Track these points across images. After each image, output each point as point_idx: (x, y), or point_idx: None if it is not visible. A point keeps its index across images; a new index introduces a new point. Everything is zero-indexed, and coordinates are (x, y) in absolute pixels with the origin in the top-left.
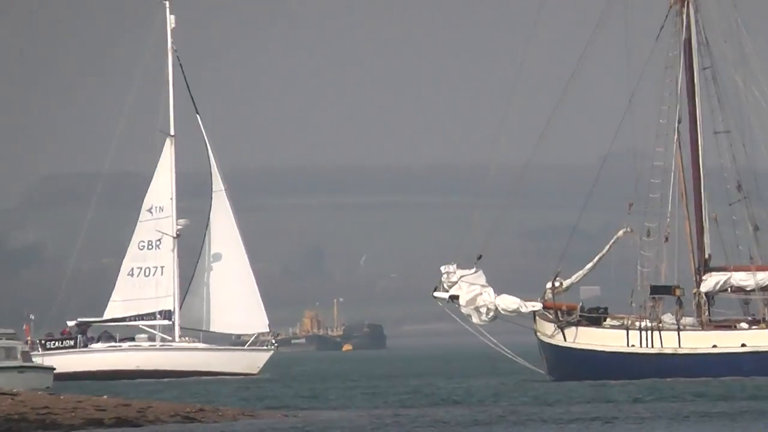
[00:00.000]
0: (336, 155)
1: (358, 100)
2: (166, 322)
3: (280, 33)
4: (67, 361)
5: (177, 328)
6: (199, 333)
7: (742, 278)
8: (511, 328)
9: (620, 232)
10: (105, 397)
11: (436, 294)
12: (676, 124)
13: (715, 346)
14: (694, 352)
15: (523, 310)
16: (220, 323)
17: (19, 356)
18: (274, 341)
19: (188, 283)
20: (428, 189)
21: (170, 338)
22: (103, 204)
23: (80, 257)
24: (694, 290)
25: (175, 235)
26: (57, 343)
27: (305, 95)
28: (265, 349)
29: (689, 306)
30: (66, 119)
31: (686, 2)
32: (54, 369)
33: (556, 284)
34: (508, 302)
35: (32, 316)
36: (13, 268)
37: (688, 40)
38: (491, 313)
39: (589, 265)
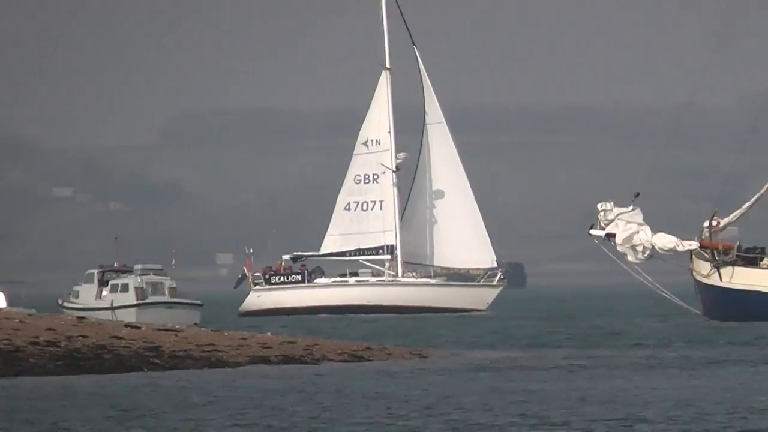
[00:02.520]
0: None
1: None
2: (388, 256)
3: None
4: (293, 297)
5: (400, 263)
6: (420, 267)
7: None
8: (661, 267)
9: None
10: (269, 334)
11: (592, 231)
12: None
13: None
14: None
15: (680, 248)
16: (444, 257)
17: (166, 292)
18: (503, 276)
19: (406, 217)
20: (565, 129)
21: (393, 273)
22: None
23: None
24: None
25: (395, 169)
26: (283, 278)
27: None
28: (494, 285)
29: None
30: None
31: None
32: (202, 305)
33: (714, 223)
34: (665, 241)
35: (251, 250)
36: (155, 204)
37: None
38: (647, 252)
39: (747, 204)
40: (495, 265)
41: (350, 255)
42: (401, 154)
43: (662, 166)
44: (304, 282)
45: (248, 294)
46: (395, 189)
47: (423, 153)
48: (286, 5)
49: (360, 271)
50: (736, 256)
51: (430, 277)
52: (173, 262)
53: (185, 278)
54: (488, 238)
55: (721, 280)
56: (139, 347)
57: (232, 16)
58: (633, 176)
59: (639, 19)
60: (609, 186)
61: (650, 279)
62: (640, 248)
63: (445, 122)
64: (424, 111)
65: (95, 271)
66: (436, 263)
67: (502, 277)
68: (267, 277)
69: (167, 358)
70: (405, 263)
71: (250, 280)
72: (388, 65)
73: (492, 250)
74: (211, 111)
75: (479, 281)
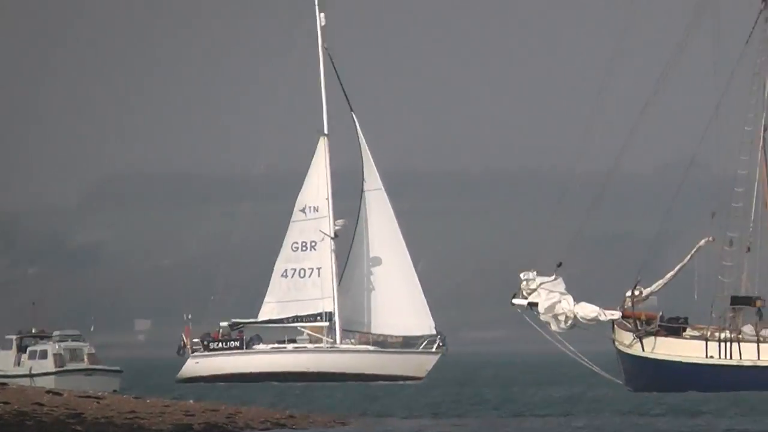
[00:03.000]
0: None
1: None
2: (326, 323)
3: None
4: (232, 363)
5: (338, 329)
6: (355, 336)
7: None
8: (585, 336)
9: (702, 242)
10: (191, 401)
11: (514, 301)
12: (762, 132)
13: None
14: None
15: (602, 318)
16: (382, 324)
17: (85, 358)
18: (442, 344)
19: (344, 284)
20: (483, 194)
21: (331, 340)
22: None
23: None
24: None
25: (333, 236)
26: (221, 344)
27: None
28: (432, 353)
29: None
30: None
31: None
32: (122, 371)
33: (636, 293)
34: (588, 310)
35: (190, 316)
36: (73, 269)
37: None
38: (570, 321)
39: (670, 274)
40: (434, 332)
41: (288, 322)
42: (339, 221)
43: (584, 233)
44: (242, 348)
45: (186, 360)
46: (333, 256)
47: (361, 220)
48: (220, 68)
49: (298, 338)
50: (659, 326)
51: (368, 343)
52: (92, 328)
53: (103, 344)
54: (426, 304)
55: (643, 350)
56: (61, 414)
57: (166, 76)
58: (554, 243)
59: (569, 87)
60: (527, 253)
61: (572, 348)
62: (562, 318)
63: (383, 188)
64: (362, 178)
65: (13, 337)
66: (374, 330)
67: (440, 344)
68: (205, 343)
69: (89, 425)
70: (343, 330)
71: (188, 346)
72: (326, 131)
73: (430, 317)
74: (141, 173)
75: (418, 348)
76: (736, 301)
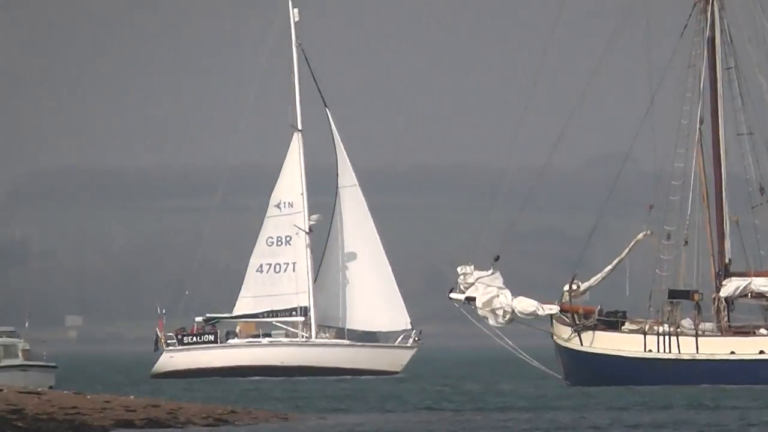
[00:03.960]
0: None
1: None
2: (301, 318)
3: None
4: (206, 357)
5: (314, 324)
6: (332, 332)
7: (763, 284)
8: (526, 331)
9: (640, 235)
10: (132, 397)
11: (452, 295)
12: (698, 125)
13: (733, 353)
14: (711, 359)
15: (540, 313)
16: (357, 320)
17: (20, 354)
18: (418, 338)
19: (320, 279)
20: (410, 190)
21: (306, 335)
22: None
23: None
24: (714, 295)
25: (308, 231)
26: (195, 338)
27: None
28: (408, 347)
29: (708, 311)
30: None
31: (711, 0)
32: (56, 367)
33: (574, 287)
34: (525, 305)
35: (164, 311)
36: (3, 264)
37: (712, 39)
38: (508, 316)
39: (608, 268)
40: (409, 326)
41: (263, 317)
42: (314, 216)
43: (517, 229)
44: (216, 342)
45: (160, 355)
46: (308, 251)
47: (336, 215)
48: (191, 65)
49: (273, 332)
50: (597, 320)
51: (343, 338)
52: (26, 324)
53: (36, 339)
54: (402, 300)
55: (581, 345)
56: (2, 410)
57: (139, 68)
58: (489, 238)
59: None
60: (455, 248)
61: (511, 343)
62: (500, 312)
63: (357, 184)
64: (337, 173)
65: None
66: (349, 326)
67: (417, 338)
68: (180, 337)
69: (30, 421)
70: (318, 325)
71: (162, 340)
72: (300, 127)
73: (406, 312)
74: (66, 170)
75: (394, 343)
76: (673, 294)
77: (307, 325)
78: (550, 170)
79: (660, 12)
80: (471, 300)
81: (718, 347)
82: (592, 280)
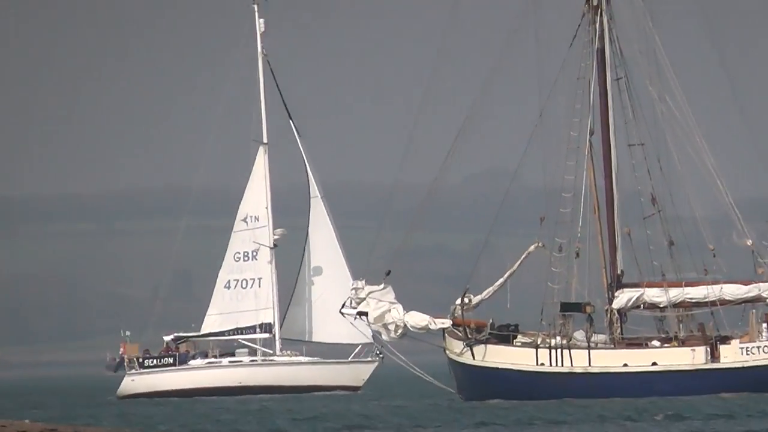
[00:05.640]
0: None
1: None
2: (266, 335)
3: None
4: (166, 380)
5: (278, 341)
6: (300, 346)
7: (655, 295)
8: (421, 347)
9: (531, 247)
10: (27, 421)
11: (344, 310)
12: (588, 137)
13: (626, 365)
14: (604, 371)
15: (433, 327)
16: (322, 333)
17: None
18: (379, 353)
19: (291, 294)
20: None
21: (271, 351)
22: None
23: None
24: (606, 307)
25: (272, 246)
26: (155, 360)
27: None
28: (368, 361)
29: (601, 323)
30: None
31: (600, 11)
32: None
33: (466, 300)
34: (417, 319)
35: (128, 333)
36: None
37: (602, 50)
38: (400, 330)
39: (500, 281)
40: (370, 340)
41: (229, 334)
42: (278, 230)
43: (408, 245)
44: (176, 364)
45: (123, 378)
46: (272, 266)
47: (304, 230)
48: (153, 82)
49: (237, 351)
50: (489, 333)
51: (303, 355)
52: None
53: None
54: None
55: (474, 359)
56: None
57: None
58: (381, 253)
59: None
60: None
61: (404, 358)
62: (392, 327)
63: (320, 197)
64: (308, 186)
65: None
66: (315, 339)
67: (378, 353)
68: (140, 360)
69: None
70: (285, 340)
71: (126, 363)
72: (265, 140)
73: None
74: None
75: (352, 358)
76: (565, 307)
77: (271, 342)
78: (438, 187)
79: (550, 25)
80: (363, 315)
81: (610, 360)
82: (484, 294)
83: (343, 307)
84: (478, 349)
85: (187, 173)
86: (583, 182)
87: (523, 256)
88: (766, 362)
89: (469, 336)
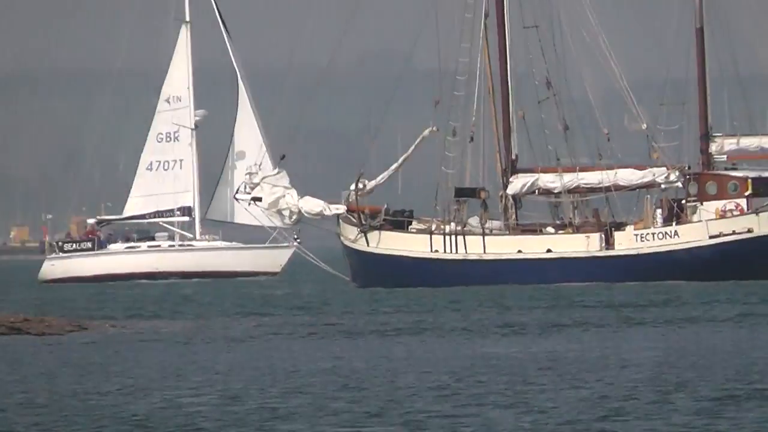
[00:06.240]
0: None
1: None
2: (186, 218)
3: None
4: (85, 265)
5: (198, 225)
6: (218, 230)
7: (550, 180)
8: (317, 233)
9: (426, 131)
10: None
11: (237, 196)
12: (483, 19)
13: (520, 252)
14: (498, 258)
15: (327, 213)
16: (244, 214)
17: None
18: (296, 237)
19: (219, 174)
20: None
21: (191, 236)
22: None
23: None
24: (501, 193)
25: (193, 127)
26: (75, 245)
27: None
28: (286, 247)
29: (496, 209)
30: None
31: None
32: None
33: (360, 186)
34: (312, 205)
35: (49, 216)
36: None
37: None
38: (294, 216)
39: (394, 165)
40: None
41: (150, 217)
42: (199, 111)
43: (301, 128)
44: (94, 249)
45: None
46: (193, 148)
47: (225, 112)
48: None
49: (156, 235)
50: (384, 220)
51: (220, 239)
52: None
53: None
54: None
55: (368, 245)
56: None
57: None
58: (273, 137)
59: None
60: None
61: (297, 244)
62: (287, 212)
63: (240, 79)
64: (234, 68)
65: None
66: (236, 220)
67: (295, 237)
68: (60, 244)
69: None
70: (208, 221)
71: (46, 247)
72: (187, 19)
73: None
74: None
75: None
76: (460, 192)
77: (192, 224)
78: (330, 69)
79: None
80: (257, 200)
81: (505, 246)
82: (379, 178)
83: (237, 192)
84: (373, 236)
85: (107, 55)
86: (477, 65)
87: (418, 140)
88: (659, 249)
89: (364, 222)
